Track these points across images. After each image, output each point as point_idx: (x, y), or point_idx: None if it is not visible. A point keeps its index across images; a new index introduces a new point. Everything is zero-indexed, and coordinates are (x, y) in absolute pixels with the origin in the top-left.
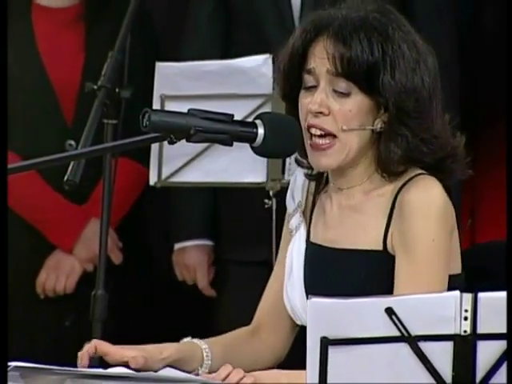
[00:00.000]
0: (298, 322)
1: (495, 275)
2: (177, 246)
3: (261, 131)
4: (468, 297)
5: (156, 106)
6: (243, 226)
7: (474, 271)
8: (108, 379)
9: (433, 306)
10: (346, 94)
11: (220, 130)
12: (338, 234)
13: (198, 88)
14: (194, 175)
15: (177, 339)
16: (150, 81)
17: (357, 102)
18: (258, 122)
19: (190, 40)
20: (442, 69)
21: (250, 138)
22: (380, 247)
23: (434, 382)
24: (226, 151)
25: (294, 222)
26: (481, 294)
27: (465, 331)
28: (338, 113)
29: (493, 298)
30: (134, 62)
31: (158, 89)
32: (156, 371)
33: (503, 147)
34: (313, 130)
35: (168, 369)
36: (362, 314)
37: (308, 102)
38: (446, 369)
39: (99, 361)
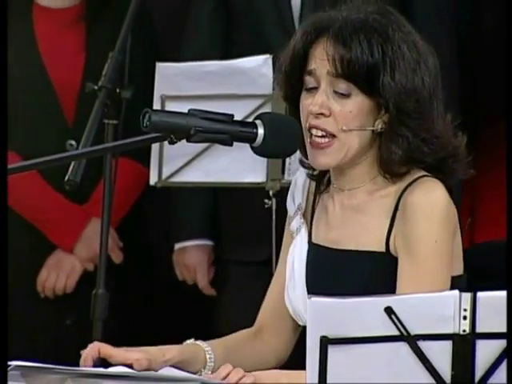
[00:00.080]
0: (301, 323)
1: (495, 275)
2: (177, 246)
3: (261, 131)
4: (467, 296)
5: (156, 106)
6: (243, 226)
7: (473, 271)
8: (108, 378)
9: (432, 305)
10: (347, 95)
11: (220, 130)
12: (340, 235)
13: (199, 88)
14: (194, 175)
15: (177, 338)
16: (151, 81)
17: (357, 102)
18: (257, 122)
19: (190, 40)
20: (442, 69)
21: (249, 138)
22: (382, 249)
23: (433, 381)
24: (226, 151)
25: (295, 224)
26: (480, 294)
27: (464, 330)
28: (338, 114)
29: (492, 297)
30: (135, 62)
31: (159, 89)
32: (156, 371)
33: (502, 147)
34: (314, 131)
35: (168, 368)
36: (362, 313)
37: (309, 104)
38: (445, 368)
39: (100, 360)
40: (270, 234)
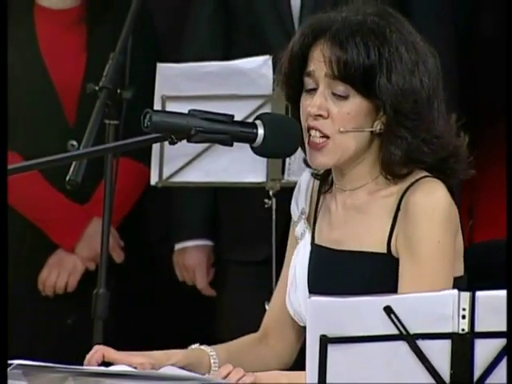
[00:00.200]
0: (302, 324)
1: (494, 274)
2: (177, 246)
3: (261, 131)
4: (466, 295)
5: (157, 106)
6: (243, 226)
7: (472, 270)
8: (109, 377)
9: (431, 304)
10: (345, 97)
11: (220, 131)
12: (342, 235)
13: (199, 89)
14: (194, 175)
15: (177, 338)
16: (151, 82)
17: (355, 104)
18: (257, 122)
19: (191, 41)
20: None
21: (250, 139)
22: (384, 250)
23: (432, 379)
24: (227, 151)
25: (299, 229)
26: (478, 293)
27: (463, 329)
28: (336, 115)
29: (490, 296)
30: (136, 63)
31: (159, 90)
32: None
33: (501, 147)
34: (312, 132)
35: (169, 367)
36: (361, 312)
37: (308, 105)
38: (444, 367)
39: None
40: (269, 233)
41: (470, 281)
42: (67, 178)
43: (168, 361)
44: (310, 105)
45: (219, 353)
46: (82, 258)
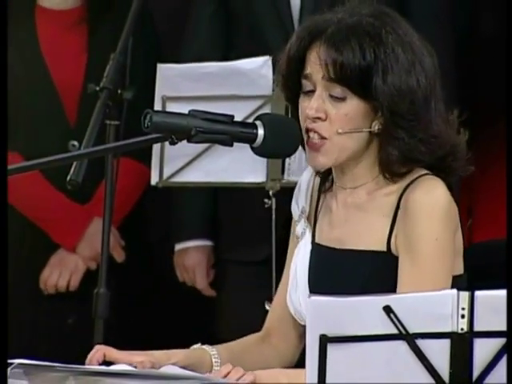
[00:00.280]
0: (302, 323)
1: (494, 274)
2: (177, 247)
3: (260, 132)
4: (465, 295)
5: (157, 107)
6: (243, 226)
7: (471, 270)
8: (110, 376)
9: (430, 304)
10: (342, 99)
11: (220, 131)
12: (342, 234)
13: (199, 89)
14: (194, 175)
15: (177, 337)
16: (152, 82)
17: (352, 106)
18: (257, 122)
19: (191, 42)
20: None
21: (249, 139)
22: (384, 248)
23: (431, 379)
24: (227, 152)
25: (300, 228)
26: (477, 293)
27: (462, 329)
28: (334, 117)
29: (489, 296)
30: (136, 63)
31: (160, 90)
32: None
33: (500, 147)
34: (311, 134)
35: (169, 366)
36: (361, 312)
37: (306, 107)
38: (443, 366)
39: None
40: (269, 233)
41: (470, 280)
42: (68, 178)
43: (169, 360)
44: (307, 107)
45: (221, 353)
46: (83, 258)
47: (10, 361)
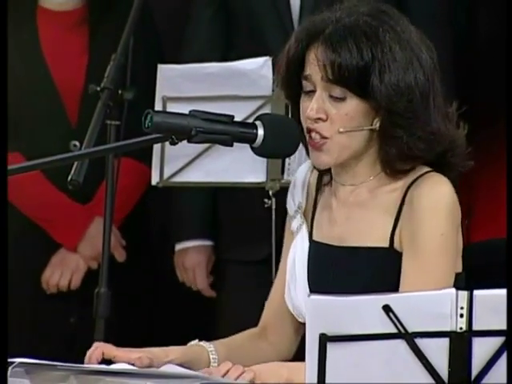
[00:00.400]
0: (301, 320)
1: (493, 273)
2: (177, 247)
3: (260, 132)
4: (464, 294)
5: (158, 107)
6: (243, 226)
7: (470, 269)
8: (110, 375)
9: (429, 303)
10: (342, 99)
11: (221, 131)
12: (343, 231)
13: (199, 90)
14: (195, 175)
15: (177, 336)
16: (152, 83)
17: (352, 105)
18: (257, 123)
19: (191, 42)
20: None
21: (250, 139)
22: (386, 244)
23: (430, 378)
24: (227, 152)
25: (295, 223)
26: (476, 292)
27: (460, 328)
28: (335, 117)
29: (488, 295)
30: (137, 64)
31: (160, 90)
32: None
33: (501, 147)
34: (313, 135)
35: (169, 365)
36: (360, 311)
37: (307, 107)
38: (442, 365)
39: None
40: (269, 233)
41: (468, 280)
42: (69, 178)
43: (166, 357)
44: (308, 108)
45: (218, 348)
46: (84, 258)
47: (11, 360)
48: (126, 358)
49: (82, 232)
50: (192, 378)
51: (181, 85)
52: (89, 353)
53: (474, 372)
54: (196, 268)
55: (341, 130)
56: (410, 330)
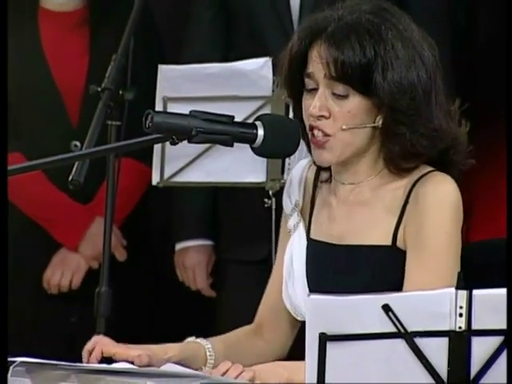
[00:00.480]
0: (299, 318)
1: (492, 273)
2: (177, 246)
3: (261, 132)
4: (463, 294)
5: (158, 107)
6: (243, 226)
7: (470, 269)
8: (111, 374)
9: (428, 302)
10: (345, 96)
11: (221, 131)
12: (344, 230)
13: (200, 90)
14: (195, 175)
15: (178, 336)
16: (153, 83)
17: (355, 103)
18: (257, 123)
19: (191, 43)
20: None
21: (250, 139)
22: (389, 242)
23: (429, 377)
24: (227, 152)
25: (292, 222)
26: (475, 291)
27: (460, 327)
28: (337, 114)
29: (487, 294)
30: (137, 64)
31: (161, 91)
32: (158, 367)
33: (500, 146)
34: (315, 132)
35: (169, 364)
36: (360, 310)
37: (310, 105)
38: (441, 364)
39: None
40: (269, 233)
41: (467, 279)
42: (70, 178)
43: (165, 354)
44: (311, 105)
45: (215, 345)
46: (85, 257)
47: (12, 359)
48: (124, 355)
49: (83, 232)
50: (192, 377)
51: (181, 85)
52: (87, 347)
53: (474, 371)
54: (196, 268)
55: (343, 127)
56: (410, 329)
